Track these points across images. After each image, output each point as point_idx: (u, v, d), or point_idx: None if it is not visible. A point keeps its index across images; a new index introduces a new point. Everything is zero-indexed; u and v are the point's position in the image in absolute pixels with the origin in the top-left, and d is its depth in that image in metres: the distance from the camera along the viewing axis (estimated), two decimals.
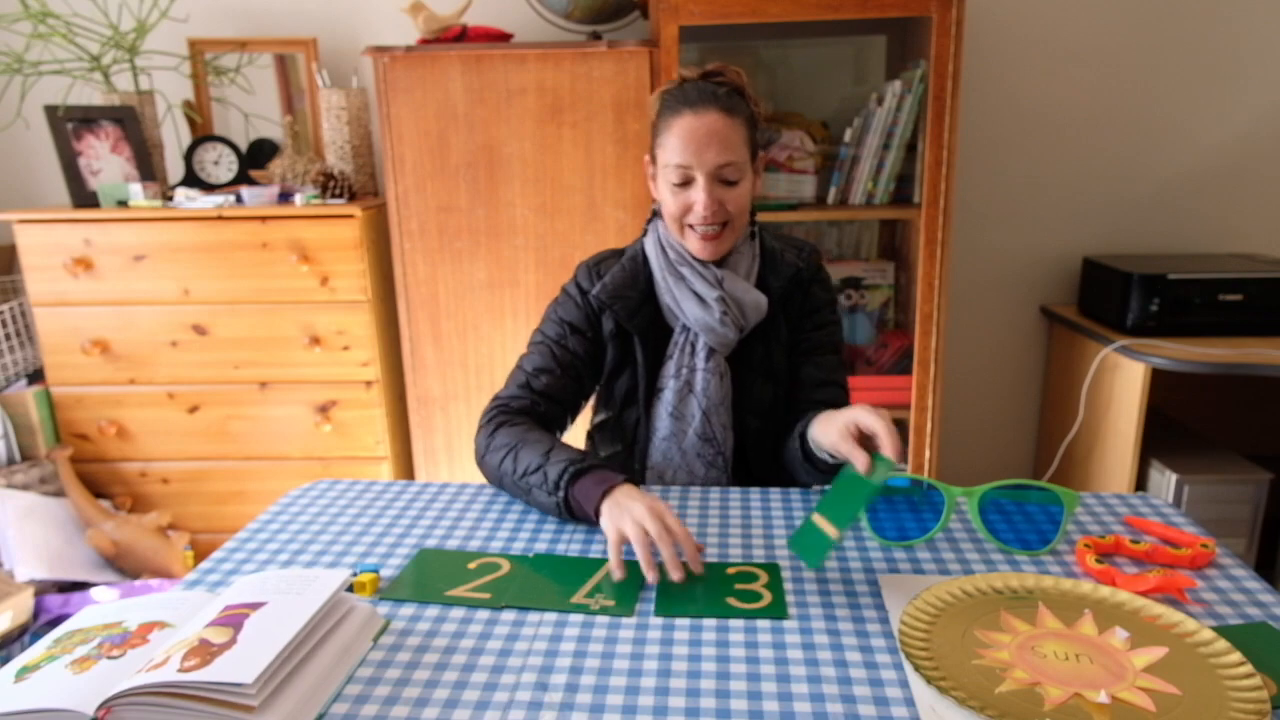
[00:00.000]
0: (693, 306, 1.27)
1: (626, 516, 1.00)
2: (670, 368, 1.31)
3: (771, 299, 1.30)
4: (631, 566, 1.00)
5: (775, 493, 1.22)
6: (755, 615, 0.90)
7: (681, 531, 0.98)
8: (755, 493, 1.22)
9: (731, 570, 1.00)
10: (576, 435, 1.38)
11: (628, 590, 0.96)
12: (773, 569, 1.00)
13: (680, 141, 1.20)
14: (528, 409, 1.26)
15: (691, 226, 1.24)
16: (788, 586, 0.97)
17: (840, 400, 1.32)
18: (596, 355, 1.34)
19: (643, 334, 1.31)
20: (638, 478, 1.35)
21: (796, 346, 1.35)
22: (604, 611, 0.92)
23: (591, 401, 1.41)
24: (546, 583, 0.98)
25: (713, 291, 1.26)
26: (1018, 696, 0.74)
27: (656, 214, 1.34)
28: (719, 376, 1.29)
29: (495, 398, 1.29)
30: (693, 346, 1.29)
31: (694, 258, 1.28)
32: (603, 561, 1.02)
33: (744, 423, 1.31)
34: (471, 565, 1.02)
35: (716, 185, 1.22)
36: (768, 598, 0.94)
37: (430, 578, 1.00)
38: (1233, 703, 0.73)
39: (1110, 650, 0.81)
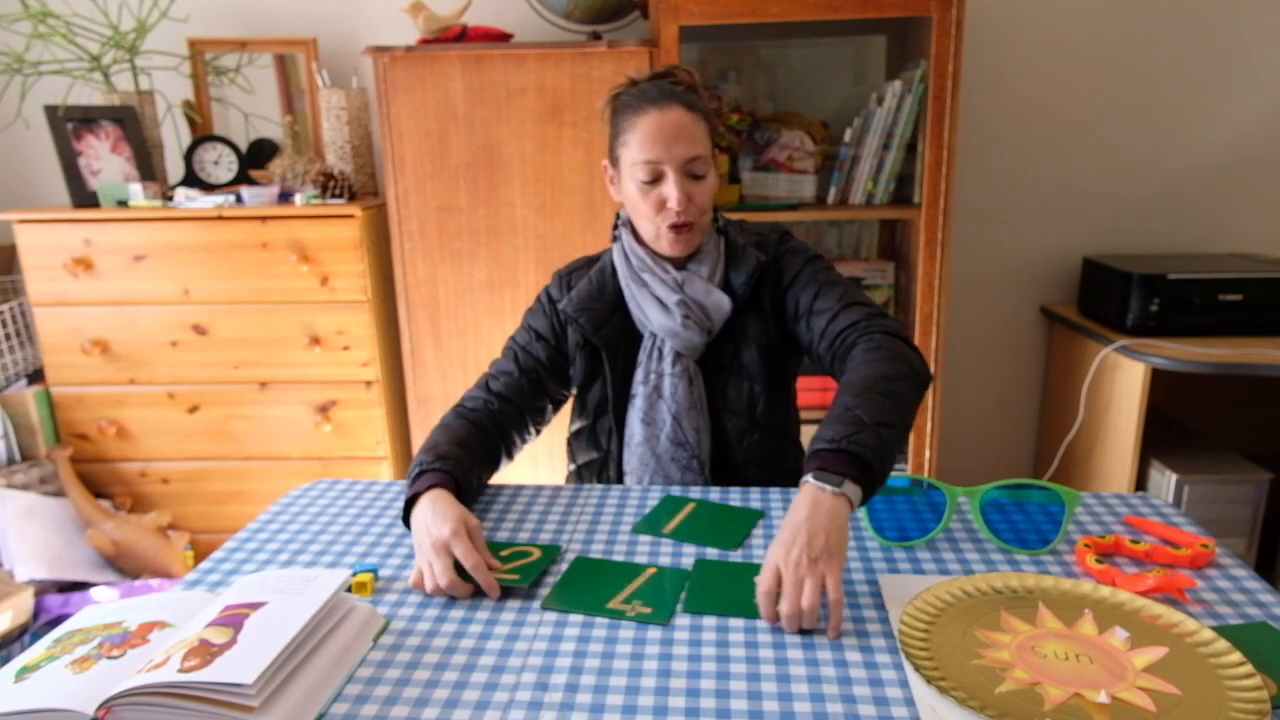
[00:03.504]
0: (656, 312, 1.28)
1: (423, 555, 0.98)
2: (640, 374, 1.31)
3: (736, 298, 1.29)
4: (666, 575, 0.99)
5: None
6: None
7: (472, 559, 0.96)
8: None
9: None
10: (558, 441, 1.39)
11: (665, 599, 0.95)
12: None
13: (648, 138, 1.20)
14: (481, 409, 1.27)
15: (673, 227, 1.23)
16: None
17: (859, 317, 1.20)
18: (560, 363, 1.35)
19: (611, 345, 1.32)
20: (615, 482, 1.36)
21: (795, 316, 1.28)
22: (640, 619, 0.90)
23: (569, 408, 1.43)
24: (585, 586, 0.97)
25: (673, 296, 1.26)
26: (1018, 696, 0.74)
27: (618, 223, 1.34)
28: (687, 380, 1.29)
29: (462, 398, 1.30)
30: (660, 352, 1.30)
31: (655, 263, 1.28)
32: (643, 568, 1.02)
33: (722, 424, 1.31)
34: (504, 553, 1.04)
35: (686, 179, 1.22)
36: None
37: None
38: (1233, 703, 0.73)
39: (1110, 650, 0.81)
